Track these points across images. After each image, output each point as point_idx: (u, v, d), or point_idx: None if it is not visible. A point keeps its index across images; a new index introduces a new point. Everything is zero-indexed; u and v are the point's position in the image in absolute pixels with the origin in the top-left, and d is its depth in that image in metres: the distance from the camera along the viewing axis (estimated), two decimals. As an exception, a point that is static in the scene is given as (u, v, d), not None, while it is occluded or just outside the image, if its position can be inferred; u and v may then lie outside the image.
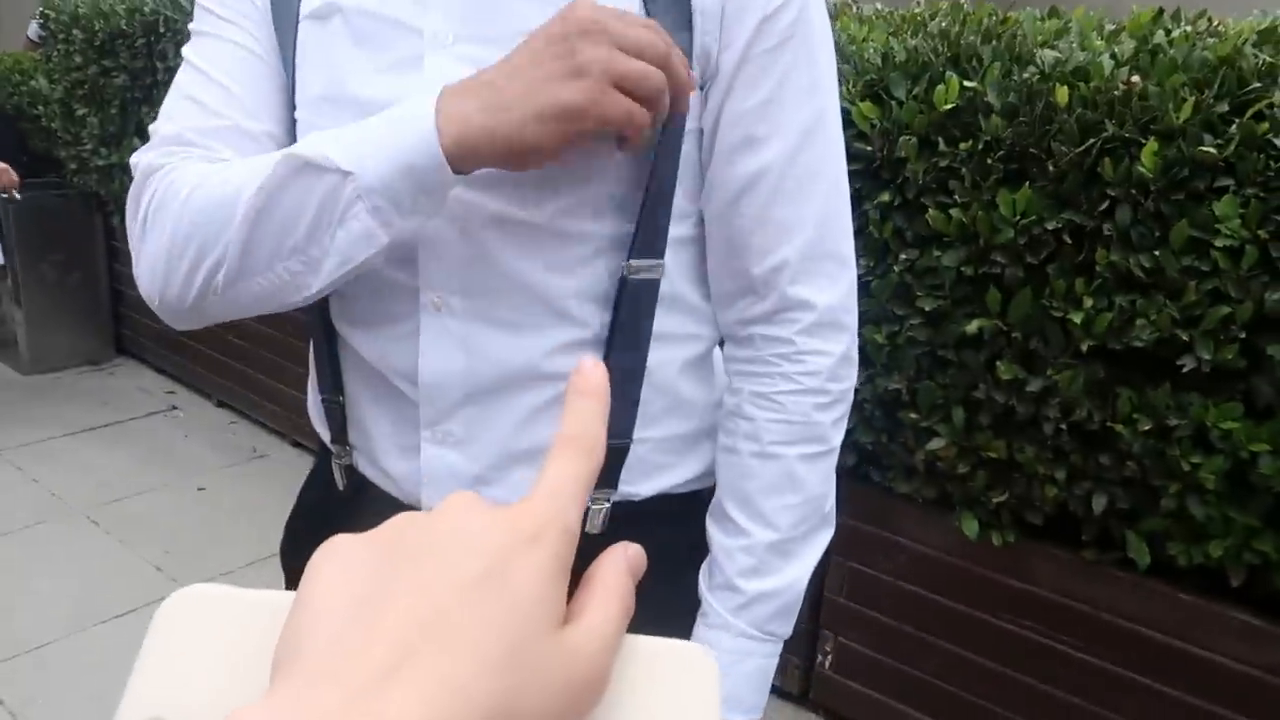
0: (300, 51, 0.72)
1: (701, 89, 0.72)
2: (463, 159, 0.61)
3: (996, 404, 1.64)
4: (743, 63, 0.70)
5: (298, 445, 3.40)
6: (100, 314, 4.11)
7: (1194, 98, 1.39)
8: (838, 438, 0.77)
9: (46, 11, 3.75)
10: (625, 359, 0.74)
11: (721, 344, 0.82)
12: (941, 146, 1.59)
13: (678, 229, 0.74)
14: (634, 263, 0.71)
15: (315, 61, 0.72)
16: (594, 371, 0.32)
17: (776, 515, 0.75)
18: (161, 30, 3.15)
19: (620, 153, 0.68)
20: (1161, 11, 1.71)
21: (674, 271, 0.75)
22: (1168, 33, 1.58)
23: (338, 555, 0.27)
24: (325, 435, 0.84)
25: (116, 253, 4.05)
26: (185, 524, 2.87)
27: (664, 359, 0.76)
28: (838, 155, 0.76)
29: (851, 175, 1.66)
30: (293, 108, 0.73)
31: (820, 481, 0.77)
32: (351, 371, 0.79)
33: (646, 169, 0.70)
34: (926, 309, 1.65)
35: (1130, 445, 1.51)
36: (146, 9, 3.20)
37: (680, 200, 0.74)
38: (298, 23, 0.72)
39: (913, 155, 1.62)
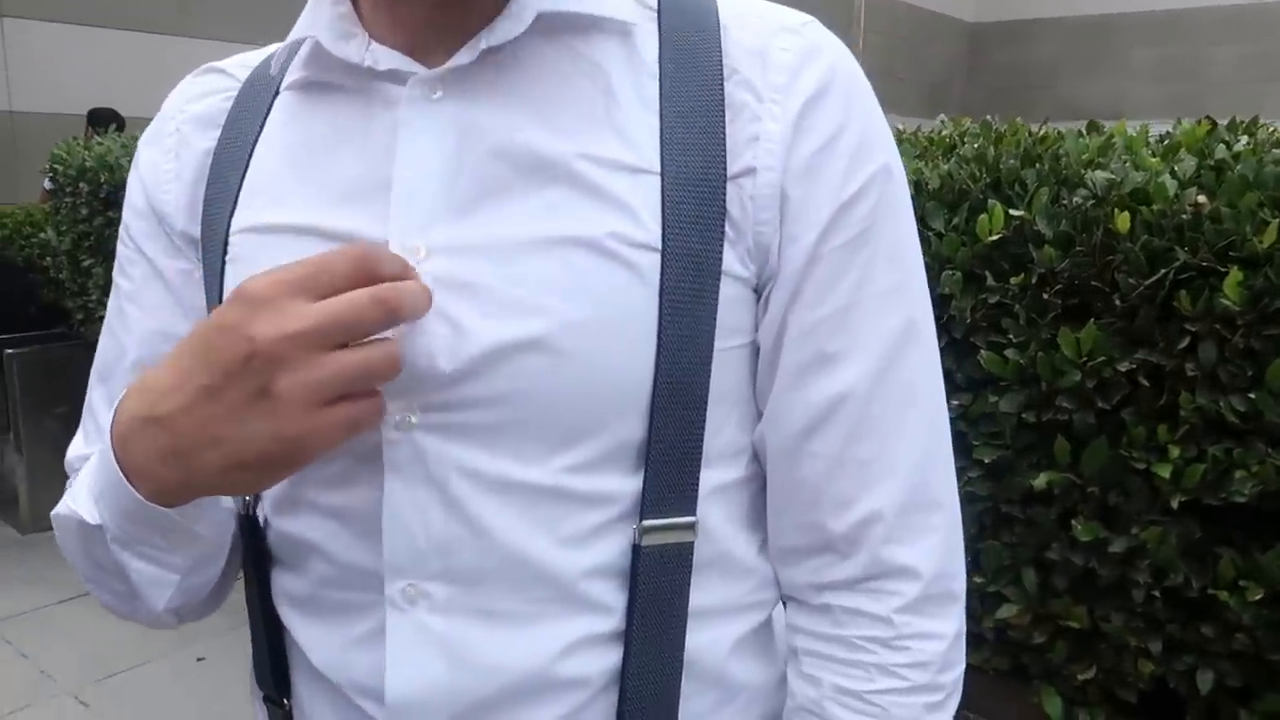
0: (231, 267, 0.59)
1: (757, 293, 0.56)
2: (174, 502, 0.53)
3: (1074, 566, 1.43)
4: (813, 261, 0.55)
5: (305, 603, 3.20)
6: (105, 466, 3.98)
7: (1276, 219, 1.24)
8: None
9: (55, 166, 3.75)
10: (654, 649, 0.56)
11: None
12: (989, 281, 1.44)
13: (726, 472, 0.58)
14: (647, 524, 0.54)
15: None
16: None
17: None
18: (165, 180, 3.11)
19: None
20: (1215, 124, 1.58)
21: (721, 527, 0.58)
22: (1229, 146, 1.44)
23: None
24: None
25: (122, 403, 3.94)
26: (179, 702, 2.65)
27: (710, 640, 0.58)
28: (934, 374, 0.59)
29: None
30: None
31: None
32: (300, 671, 0.62)
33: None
34: (986, 460, 1.47)
35: (1239, 615, 1.30)
36: (150, 160, 3.17)
37: (730, 434, 0.58)
38: (228, 237, 0.59)
39: (958, 291, 1.47)
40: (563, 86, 0.55)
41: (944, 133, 1.85)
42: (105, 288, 3.58)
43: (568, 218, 0.53)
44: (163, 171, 0.63)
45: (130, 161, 2.98)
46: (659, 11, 0.58)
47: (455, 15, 0.55)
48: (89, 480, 0.56)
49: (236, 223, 0.59)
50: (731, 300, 0.55)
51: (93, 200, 3.51)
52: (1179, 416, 1.30)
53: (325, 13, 0.57)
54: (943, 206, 1.53)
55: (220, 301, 0.58)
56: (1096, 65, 12.91)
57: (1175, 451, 1.30)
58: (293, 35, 0.59)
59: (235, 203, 0.59)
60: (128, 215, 0.65)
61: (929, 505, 0.57)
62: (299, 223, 0.56)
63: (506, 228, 0.53)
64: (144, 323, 0.64)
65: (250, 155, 0.60)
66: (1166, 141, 1.53)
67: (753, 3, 0.60)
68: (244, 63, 0.65)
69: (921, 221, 1.54)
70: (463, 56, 0.54)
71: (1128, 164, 1.43)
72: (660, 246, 0.53)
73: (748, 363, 0.58)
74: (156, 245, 0.63)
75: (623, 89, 0.56)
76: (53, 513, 0.60)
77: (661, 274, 0.53)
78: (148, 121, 0.66)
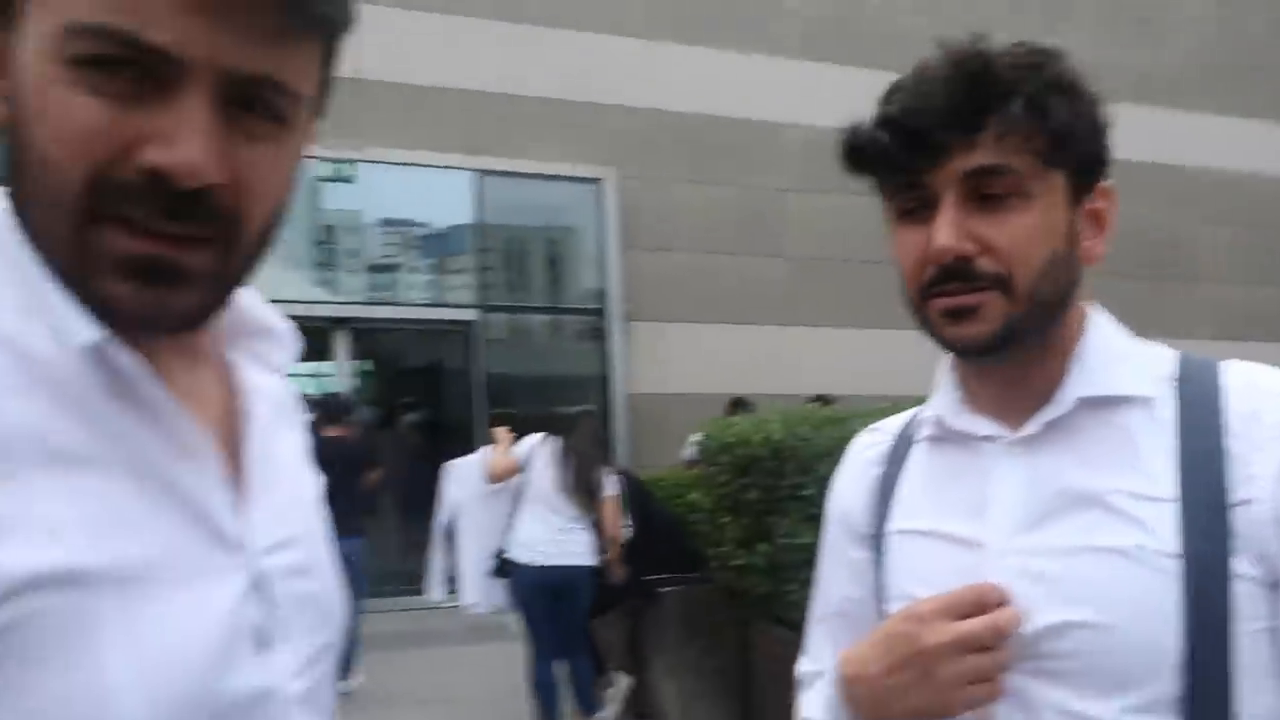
0: (886, 557, 0.94)
1: (1274, 589, 0.76)
2: None
3: None
4: None
5: None
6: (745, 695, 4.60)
7: None
8: None
9: (706, 442, 4.68)
10: None
11: None
12: None
13: None
14: None
15: (896, 565, 0.93)
16: None
17: None
18: (785, 455, 3.76)
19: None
20: None
21: None
22: None
23: None
24: None
25: (745, 643, 4.57)
26: None
27: None
28: None
29: None
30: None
31: None
32: None
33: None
34: None
35: None
36: (775, 436, 3.87)
37: (1267, 701, 0.75)
38: (885, 536, 0.95)
39: None
40: (1098, 444, 0.83)
41: None
42: (738, 540, 4.30)
43: (1104, 533, 0.79)
44: (851, 494, 1.02)
45: (762, 437, 3.71)
46: (1179, 381, 0.83)
47: (1019, 393, 0.87)
48: (821, 700, 0.90)
49: (890, 526, 0.95)
50: (1244, 595, 0.75)
51: (731, 469, 4.32)
52: None
53: (948, 398, 0.93)
54: None
55: (884, 583, 0.94)
56: None
57: None
58: (928, 410, 0.96)
59: (888, 513, 0.96)
60: (833, 518, 1.04)
61: None
62: (930, 529, 0.90)
63: (1062, 539, 0.81)
64: (834, 590, 1.02)
65: (896, 483, 0.97)
66: None
67: (1249, 373, 0.83)
68: (890, 426, 1.03)
69: None
70: (1031, 428, 0.85)
71: None
72: (1181, 553, 0.76)
73: (1267, 645, 0.75)
74: (847, 541, 1.01)
75: (1144, 442, 0.81)
76: (803, 715, 0.96)
77: (1184, 575, 0.75)
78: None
